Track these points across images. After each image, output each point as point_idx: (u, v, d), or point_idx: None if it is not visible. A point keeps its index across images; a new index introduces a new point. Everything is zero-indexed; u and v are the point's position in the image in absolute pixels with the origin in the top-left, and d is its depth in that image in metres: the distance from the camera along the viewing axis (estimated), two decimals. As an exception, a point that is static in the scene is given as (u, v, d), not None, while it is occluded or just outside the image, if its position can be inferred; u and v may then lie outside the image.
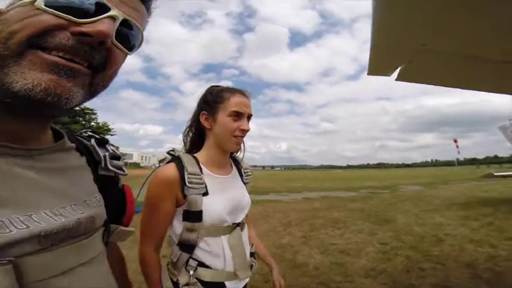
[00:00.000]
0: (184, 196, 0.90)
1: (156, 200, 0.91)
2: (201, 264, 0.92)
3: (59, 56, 0.39)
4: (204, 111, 1.01)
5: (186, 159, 0.95)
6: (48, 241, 0.40)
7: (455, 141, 26.50)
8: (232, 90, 1.02)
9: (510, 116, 8.61)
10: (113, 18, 0.42)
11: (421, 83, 2.14)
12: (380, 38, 1.40)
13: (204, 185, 0.93)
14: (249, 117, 1.02)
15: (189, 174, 0.91)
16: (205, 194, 0.92)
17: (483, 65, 1.76)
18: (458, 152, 30.85)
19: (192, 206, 0.90)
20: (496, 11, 1.18)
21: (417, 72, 1.92)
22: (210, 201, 0.92)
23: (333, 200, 10.46)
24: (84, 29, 0.40)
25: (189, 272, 0.90)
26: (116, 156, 0.62)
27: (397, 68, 1.82)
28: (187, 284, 0.89)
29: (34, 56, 0.38)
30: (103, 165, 0.59)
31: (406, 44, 1.54)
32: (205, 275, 0.91)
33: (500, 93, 2.50)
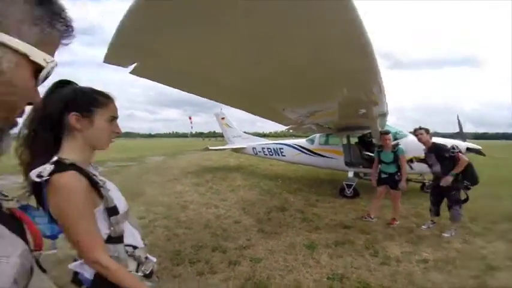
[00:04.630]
0: (101, 196, 0.99)
1: (84, 206, 0.93)
2: (134, 247, 1.07)
3: None
4: (75, 113, 0.97)
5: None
6: None
7: (190, 118, 33.08)
8: (106, 95, 1.06)
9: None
10: None
11: (153, 80, 2.49)
12: (124, 31, 1.48)
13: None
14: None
15: (94, 176, 1.00)
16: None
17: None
18: (191, 127, 41.04)
19: (110, 202, 1.01)
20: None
21: (151, 70, 2.22)
22: (113, 194, 1.05)
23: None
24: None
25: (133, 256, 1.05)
26: None
27: (134, 63, 1.98)
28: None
29: None
30: None
31: (143, 43, 1.74)
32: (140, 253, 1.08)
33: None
